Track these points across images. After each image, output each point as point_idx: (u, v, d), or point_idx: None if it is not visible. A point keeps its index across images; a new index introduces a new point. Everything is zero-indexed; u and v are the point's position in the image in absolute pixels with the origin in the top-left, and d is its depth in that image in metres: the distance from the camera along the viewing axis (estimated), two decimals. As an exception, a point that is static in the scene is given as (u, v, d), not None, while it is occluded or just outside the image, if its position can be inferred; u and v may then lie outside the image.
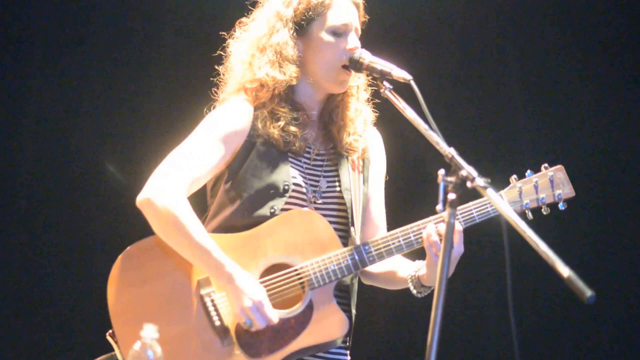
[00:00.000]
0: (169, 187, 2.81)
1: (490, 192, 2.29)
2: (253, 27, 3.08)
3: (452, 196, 2.31)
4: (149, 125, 4.76)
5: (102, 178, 4.74)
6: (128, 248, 2.85)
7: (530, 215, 2.98)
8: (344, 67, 2.98)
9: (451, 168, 2.36)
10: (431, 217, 2.91)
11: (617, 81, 4.96)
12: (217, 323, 2.80)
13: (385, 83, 2.86)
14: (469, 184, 2.31)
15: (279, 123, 2.96)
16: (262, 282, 2.85)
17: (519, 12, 4.98)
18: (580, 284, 2.06)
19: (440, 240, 2.82)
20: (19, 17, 4.67)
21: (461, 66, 5.05)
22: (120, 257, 2.83)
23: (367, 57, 2.95)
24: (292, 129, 2.97)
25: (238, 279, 2.77)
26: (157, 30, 4.80)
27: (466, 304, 4.51)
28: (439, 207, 2.31)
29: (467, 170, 2.33)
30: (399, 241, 2.93)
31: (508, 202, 2.97)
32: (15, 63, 4.67)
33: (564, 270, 2.08)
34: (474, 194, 2.34)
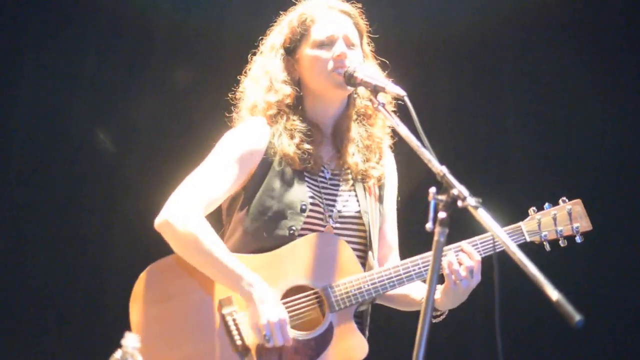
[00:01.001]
0: (187, 209, 2.86)
1: (480, 212, 2.28)
2: (256, 61, 3.18)
3: (442, 215, 2.30)
4: (143, 105, 4.76)
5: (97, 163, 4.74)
6: (150, 266, 2.89)
7: (548, 247, 3.06)
8: (334, 72, 3.00)
9: (442, 186, 2.35)
10: (452, 245, 2.96)
11: (614, 96, 4.96)
12: (239, 342, 2.82)
13: (379, 98, 2.86)
14: (459, 203, 2.30)
15: (294, 140, 2.99)
16: (283, 304, 2.87)
17: (515, 30, 4.99)
18: (569, 308, 2.05)
19: (463, 268, 2.93)
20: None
21: (456, 84, 5.06)
22: (143, 274, 2.87)
23: (361, 71, 2.95)
24: (306, 146, 3.00)
25: (263, 294, 2.80)
26: (153, 17, 4.79)
27: (453, 327, 4.50)
28: (428, 225, 2.30)
29: (459, 189, 2.32)
30: (419, 268, 2.97)
31: (527, 232, 3.05)
32: (8, 44, 4.65)
33: (553, 294, 2.07)
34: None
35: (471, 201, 2.29)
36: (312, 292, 2.91)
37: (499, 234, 2.26)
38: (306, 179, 3.02)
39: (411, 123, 2.63)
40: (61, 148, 4.70)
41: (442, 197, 2.31)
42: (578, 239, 3.09)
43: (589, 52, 4.95)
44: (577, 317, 2.03)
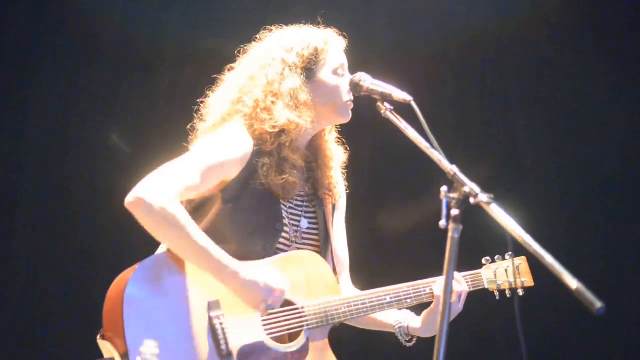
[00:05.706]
0: (163, 187, 2.77)
1: (493, 208, 2.30)
2: (244, 71, 3.11)
3: (455, 212, 2.33)
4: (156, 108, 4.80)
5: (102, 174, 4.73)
6: (146, 260, 2.83)
7: (497, 295, 3.30)
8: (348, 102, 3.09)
9: (454, 185, 2.38)
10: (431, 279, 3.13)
11: (625, 101, 4.97)
12: (223, 347, 2.80)
13: (386, 104, 2.90)
14: (472, 200, 2.33)
15: (283, 176, 3.00)
16: (266, 316, 2.90)
17: (524, 37, 5.02)
18: (589, 295, 2.05)
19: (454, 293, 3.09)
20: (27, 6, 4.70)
21: (463, 92, 5.09)
22: (137, 267, 2.81)
23: (367, 80, 3.01)
24: (292, 180, 3.02)
25: (242, 274, 2.79)
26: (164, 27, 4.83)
27: (473, 318, 4.50)
28: (442, 222, 2.32)
29: (470, 186, 2.35)
30: (391, 298, 3.08)
31: (486, 280, 3.28)
32: (20, 55, 4.70)
33: (572, 283, 2.08)
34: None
35: (483, 197, 2.32)
36: (294, 307, 2.95)
37: (513, 229, 2.26)
38: (280, 199, 3.05)
39: (417, 127, 2.68)
40: (75, 151, 4.73)
41: (454, 195, 2.34)
42: (520, 292, 3.30)
43: (598, 56, 4.96)
44: (598, 304, 2.04)
